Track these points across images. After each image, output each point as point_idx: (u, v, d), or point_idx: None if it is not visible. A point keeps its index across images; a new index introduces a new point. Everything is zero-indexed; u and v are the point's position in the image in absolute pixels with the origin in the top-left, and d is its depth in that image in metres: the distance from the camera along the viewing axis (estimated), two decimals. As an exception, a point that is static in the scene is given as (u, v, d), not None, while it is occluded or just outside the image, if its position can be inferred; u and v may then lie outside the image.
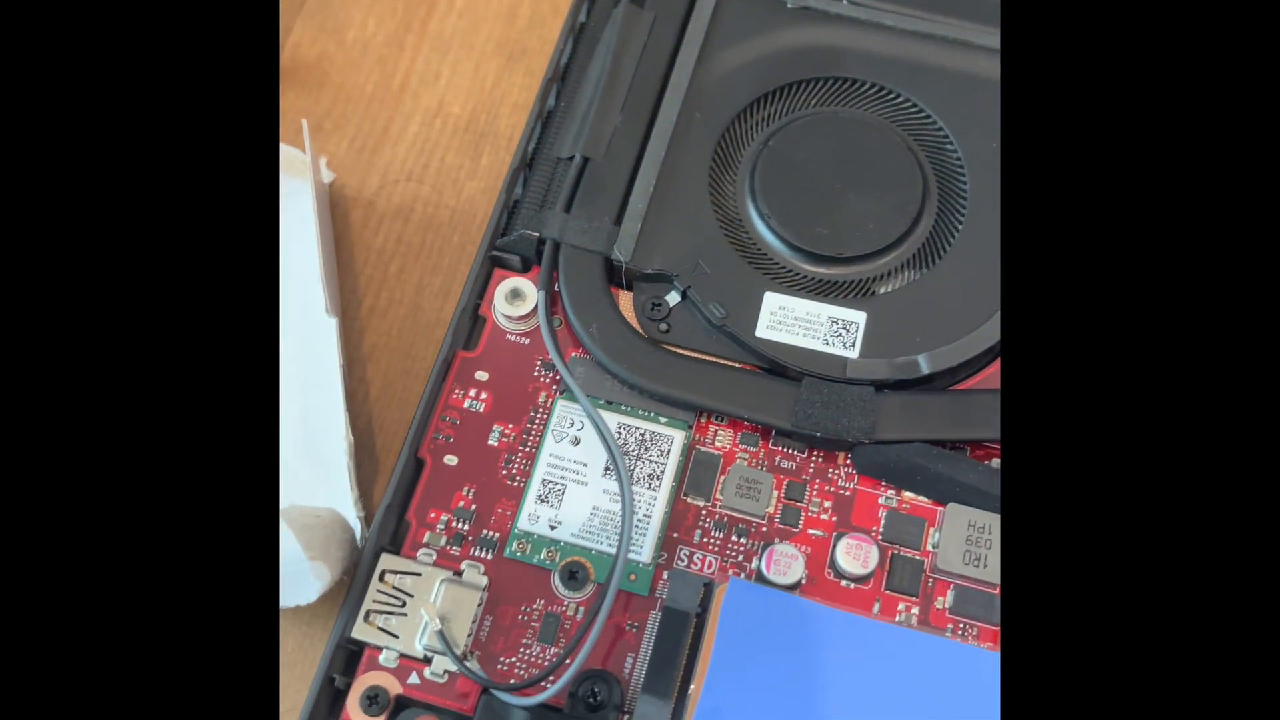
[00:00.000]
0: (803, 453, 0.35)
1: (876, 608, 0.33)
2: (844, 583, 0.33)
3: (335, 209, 0.42)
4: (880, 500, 0.34)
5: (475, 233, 0.42)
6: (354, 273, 0.41)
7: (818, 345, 0.35)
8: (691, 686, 0.30)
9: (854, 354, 0.35)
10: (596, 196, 0.38)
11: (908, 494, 0.34)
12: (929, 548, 0.33)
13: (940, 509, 0.34)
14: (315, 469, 0.37)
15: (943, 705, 0.30)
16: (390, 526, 0.34)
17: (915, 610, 0.33)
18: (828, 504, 0.34)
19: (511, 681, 0.32)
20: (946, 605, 0.33)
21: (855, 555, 0.33)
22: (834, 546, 0.33)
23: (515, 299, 0.37)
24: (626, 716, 0.31)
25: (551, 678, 0.31)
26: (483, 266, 0.37)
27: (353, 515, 0.35)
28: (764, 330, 0.36)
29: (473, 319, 0.37)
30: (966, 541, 0.33)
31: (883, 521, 0.34)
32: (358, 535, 0.35)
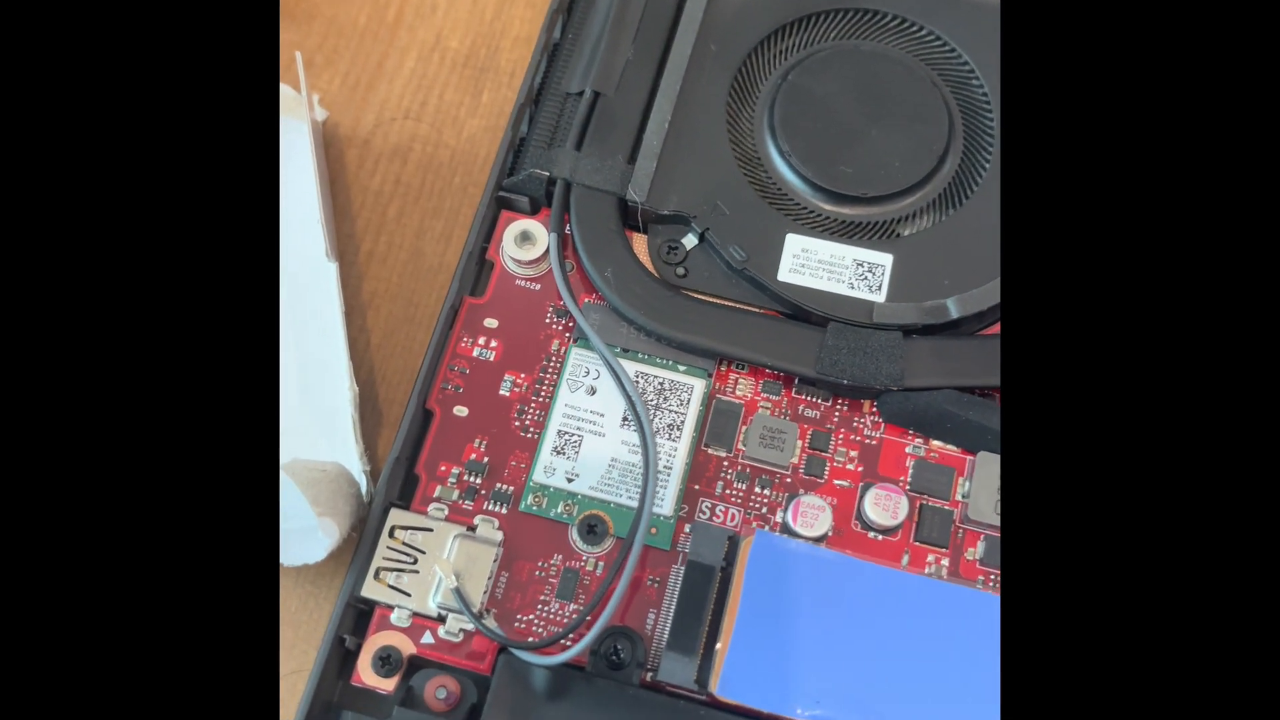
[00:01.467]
0: (827, 401, 0.34)
1: (905, 560, 0.32)
2: (872, 534, 0.32)
3: (329, 149, 0.40)
4: (908, 449, 0.33)
5: (478, 173, 0.40)
6: (350, 216, 0.39)
7: (843, 289, 0.34)
8: (718, 645, 0.29)
9: (880, 298, 0.34)
10: (609, 133, 0.36)
11: (936, 442, 0.33)
12: (959, 497, 0.32)
13: (970, 457, 0.33)
14: (316, 421, 0.35)
15: (974, 656, 0.29)
16: (399, 480, 0.33)
17: (945, 562, 0.32)
18: (854, 453, 0.33)
19: (530, 640, 0.31)
20: (977, 556, 0.32)
21: (884, 506, 0.32)
22: (861, 497, 0.32)
23: (525, 242, 0.35)
24: (650, 673, 0.30)
25: (572, 636, 0.30)
26: (489, 208, 0.36)
27: (358, 469, 0.33)
28: (786, 274, 0.34)
29: (480, 263, 0.36)
30: (998, 491, 0.32)
31: (911, 471, 0.33)
32: (363, 490, 0.33)
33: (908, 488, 0.33)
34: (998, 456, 0.32)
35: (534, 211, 0.36)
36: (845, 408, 0.34)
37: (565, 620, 0.31)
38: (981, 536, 0.32)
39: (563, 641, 0.30)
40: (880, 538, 0.32)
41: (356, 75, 0.42)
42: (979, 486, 0.32)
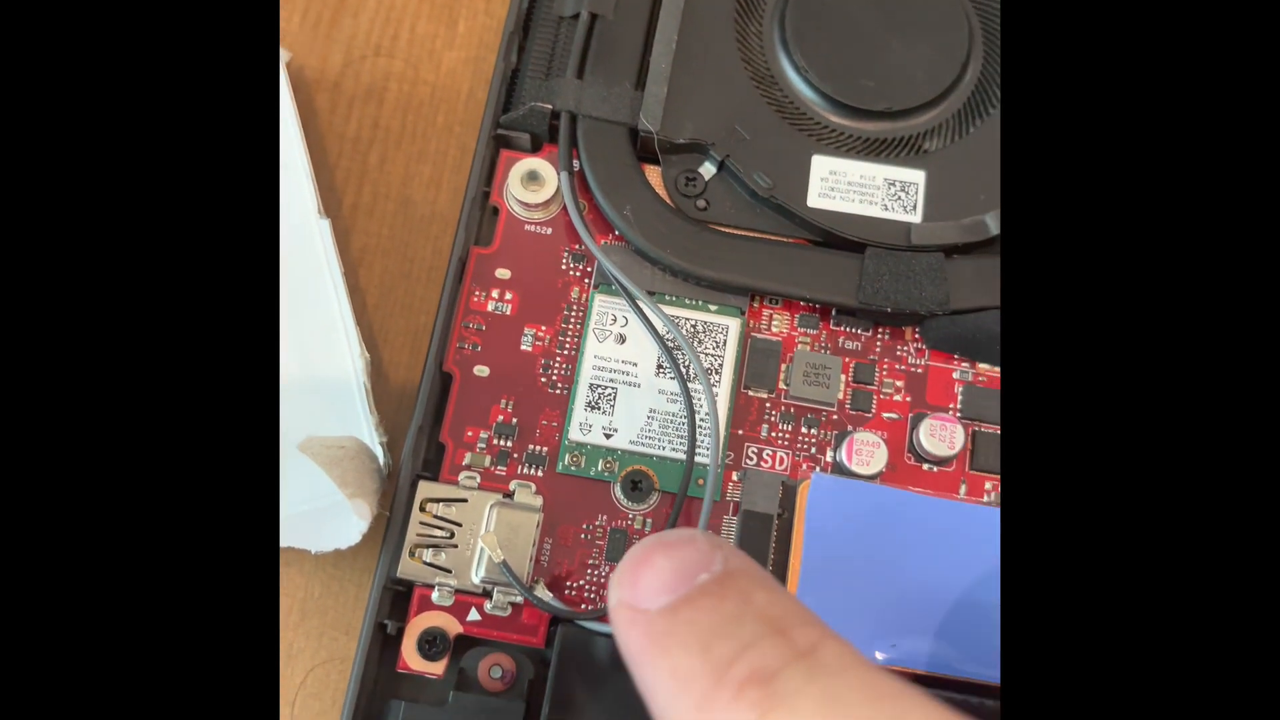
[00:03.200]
0: (867, 331, 0.32)
1: (963, 490, 0.31)
2: (926, 466, 0.31)
3: (296, 94, 0.36)
4: (955, 375, 0.32)
5: (462, 111, 0.37)
6: (328, 167, 0.36)
7: (876, 211, 0.32)
8: (788, 584, 0.28)
9: (916, 218, 0.32)
10: (611, 58, 0.33)
11: (983, 365, 0.32)
12: (1011, 421, 0.31)
13: (1019, 379, 0.32)
14: (320, 393, 0.32)
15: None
16: (423, 450, 0.30)
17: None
18: (899, 384, 0.32)
19: (585, 608, 0.29)
20: (1035, 480, 0.31)
21: (940, 436, 0.30)
22: (914, 429, 0.31)
23: (532, 183, 0.32)
24: (714, 631, 0.29)
25: (631, 599, 0.29)
26: (488, 148, 0.33)
27: (375, 441, 0.31)
28: (816, 199, 0.32)
29: (483, 209, 0.33)
30: (1053, 411, 0.31)
31: (960, 397, 0.31)
32: (381, 463, 0.31)
33: (959, 415, 0.31)
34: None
35: (536, 149, 0.33)
36: (887, 336, 0.32)
37: (617, 583, 0.29)
38: (1037, 459, 0.31)
39: (621, 607, 0.28)
40: (935, 469, 0.31)
41: (318, 10, 0.38)
42: (1032, 408, 0.31)
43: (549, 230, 0.32)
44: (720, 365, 0.31)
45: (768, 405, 0.31)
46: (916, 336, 0.32)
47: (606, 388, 0.31)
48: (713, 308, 0.32)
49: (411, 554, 0.29)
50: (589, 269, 0.32)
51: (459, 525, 0.29)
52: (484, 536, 0.29)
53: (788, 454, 0.31)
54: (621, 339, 0.31)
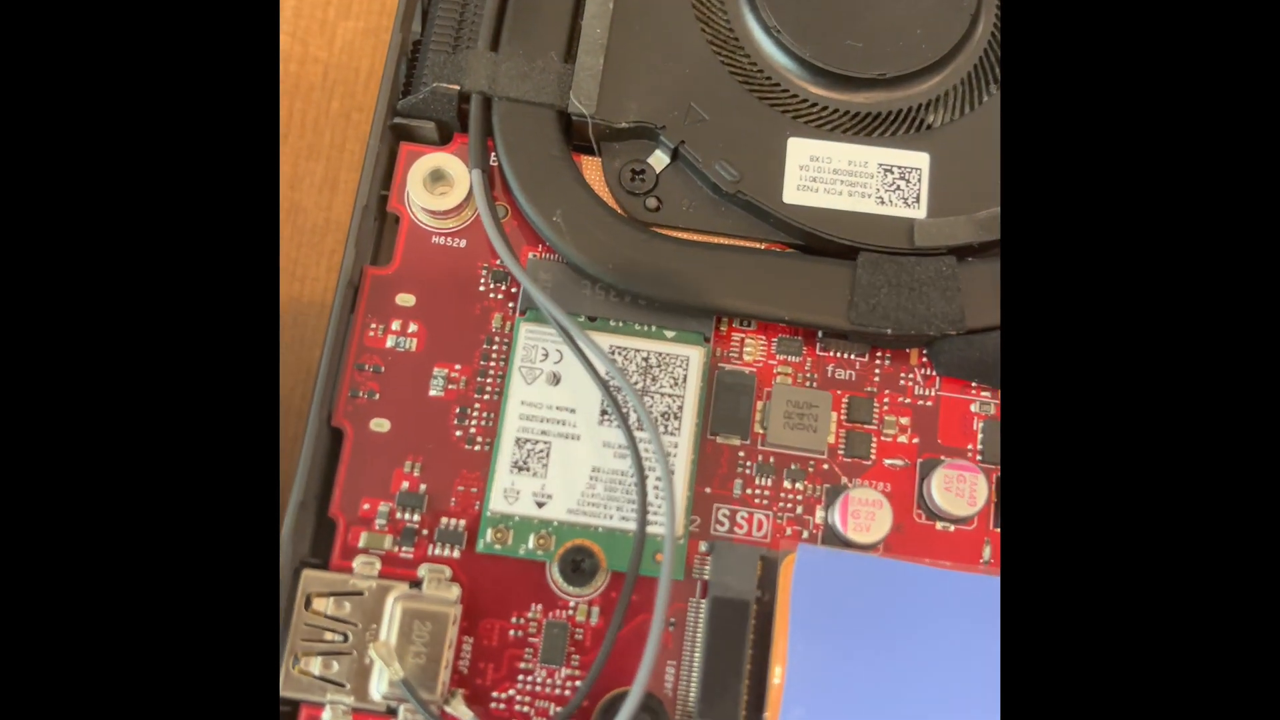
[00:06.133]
0: (863, 356, 0.26)
1: (986, 552, 0.25)
2: (940, 525, 0.25)
3: (157, 79, 0.30)
4: (973, 408, 0.26)
5: (361, 94, 0.30)
6: (198, 168, 0.30)
7: (870, 206, 0.26)
8: (765, 713, 0.22)
9: (920, 213, 0.26)
10: (533, 25, 0.27)
11: (1007, 395, 0.26)
12: (1044, 464, 0.25)
13: (1053, 410, 0.25)
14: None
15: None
16: (308, 531, 0.24)
17: (1037, 549, 0.25)
18: (904, 420, 0.25)
19: (516, 728, 0.23)
20: (1077, 538, 0.25)
21: (957, 489, 0.24)
22: (924, 479, 0.25)
23: (439, 184, 0.26)
24: (680, 751, 0.23)
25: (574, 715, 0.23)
26: (383, 142, 0.26)
27: (251, 516, 0.25)
28: (794, 193, 0.26)
29: (380, 218, 0.27)
30: (1097, 452, 0.24)
31: (980, 435, 0.25)
32: (263, 543, 0.25)
33: (979, 459, 0.25)
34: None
35: (444, 141, 0.27)
36: (887, 363, 0.26)
37: (557, 689, 0.23)
38: (1079, 511, 0.25)
39: (560, 727, 0.22)
40: (952, 528, 0.25)
41: (181, -25, 0.31)
42: (1071, 448, 0.25)
43: (462, 243, 0.26)
44: (680, 407, 0.25)
45: (741, 455, 0.25)
46: (924, 361, 0.26)
47: (537, 442, 0.25)
48: (669, 334, 0.25)
49: (295, 664, 0.23)
50: (513, 290, 0.26)
51: (354, 625, 0.23)
52: (375, 646, 0.22)
53: (767, 517, 0.25)
54: (555, 379, 0.25)
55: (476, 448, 0.25)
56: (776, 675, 0.22)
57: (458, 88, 0.26)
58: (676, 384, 0.25)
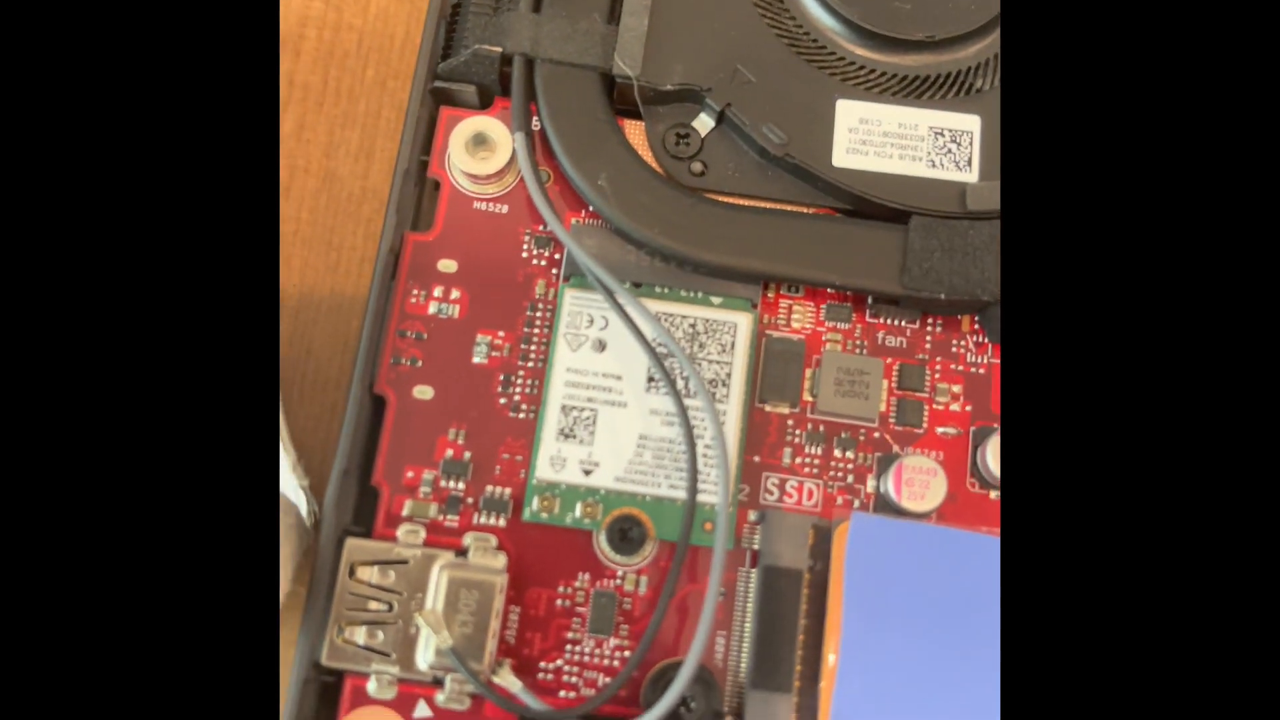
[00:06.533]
0: (914, 323, 0.25)
1: (1041, 522, 0.24)
2: (994, 495, 0.24)
3: (190, 47, 0.29)
4: (1026, 375, 0.25)
5: (397, 61, 0.30)
6: (233, 136, 0.29)
7: (921, 169, 0.25)
8: (821, 682, 0.21)
9: (972, 176, 0.25)
10: (576, -15, 0.26)
11: (1061, 362, 0.25)
12: (1099, 432, 0.25)
13: (1109, 378, 0.25)
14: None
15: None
16: (351, 499, 0.24)
17: (1093, 519, 0.24)
18: (956, 388, 0.25)
19: (564, 696, 0.22)
20: (1134, 507, 0.24)
21: (1012, 458, 0.24)
22: (976, 447, 0.24)
23: (480, 148, 0.25)
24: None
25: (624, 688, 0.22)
26: (423, 106, 0.26)
27: (293, 485, 0.24)
28: (843, 156, 0.25)
29: (420, 185, 0.26)
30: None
31: (1034, 404, 0.25)
32: (303, 512, 0.24)
33: (1033, 427, 0.25)
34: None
35: (485, 105, 0.26)
36: (939, 329, 0.25)
37: (605, 660, 0.23)
38: (1135, 480, 0.24)
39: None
40: (1006, 497, 0.24)
41: (213, -59, 0.31)
42: (1128, 415, 0.24)
43: (504, 208, 0.26)
44: (728, 375, 0.24)
45: (790, 423, 0.24)
46: (977, 328, 0.25)
47: (583, 409, 0.24)
48: (716, 301, 0.25)
49: (340, 634, 0.22)
50: (557, 256, 0.25)
51: (399, 594, 0.23)
52: (423, 614, 0.22)
53: (818, 486, 0.24)
54: (601, 345, 0.24)
55: (521, 415, 0.24)
56: (830, 657, 0.22)
57: (500, 50, 0.25)
58: (724, 350, 0.25)
